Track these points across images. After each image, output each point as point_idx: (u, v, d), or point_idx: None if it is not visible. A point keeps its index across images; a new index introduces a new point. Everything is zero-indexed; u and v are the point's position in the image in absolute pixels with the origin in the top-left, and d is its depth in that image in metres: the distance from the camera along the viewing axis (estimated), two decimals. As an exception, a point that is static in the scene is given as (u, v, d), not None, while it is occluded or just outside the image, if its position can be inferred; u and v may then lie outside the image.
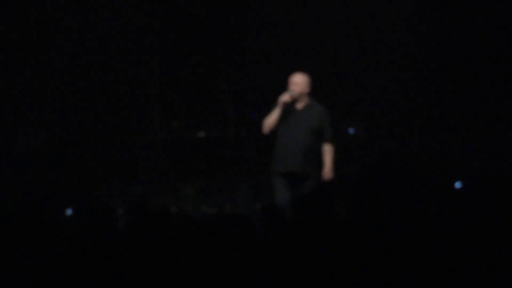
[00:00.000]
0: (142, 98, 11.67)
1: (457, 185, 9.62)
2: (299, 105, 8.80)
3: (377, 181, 2.73)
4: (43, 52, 11.44)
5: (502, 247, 2.70)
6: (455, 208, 2.84)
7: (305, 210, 5.29)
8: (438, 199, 2.82)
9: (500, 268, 2.65)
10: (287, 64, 10.28)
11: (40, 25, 11.43)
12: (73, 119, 11.48)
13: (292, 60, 10.71)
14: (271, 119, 8.76)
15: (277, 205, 7.80)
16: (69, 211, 10.26)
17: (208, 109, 11.72)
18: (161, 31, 11.86)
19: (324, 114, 8.80)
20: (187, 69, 11.88)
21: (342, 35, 11.48)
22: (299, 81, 8.76)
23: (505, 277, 2.64)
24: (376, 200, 2.69)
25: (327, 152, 8.75)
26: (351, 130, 11.59)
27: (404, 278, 2.61)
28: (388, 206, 2.67)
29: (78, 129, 11.46)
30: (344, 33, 11.48)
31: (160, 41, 11.87)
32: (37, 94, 11.42)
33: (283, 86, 8.80)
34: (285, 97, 8.68)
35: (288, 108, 8.74)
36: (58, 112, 11.45)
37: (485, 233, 2.74)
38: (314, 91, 8.85)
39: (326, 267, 3.20)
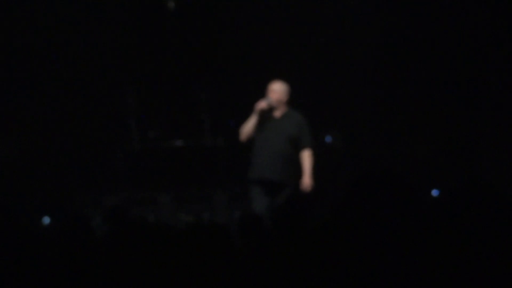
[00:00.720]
0: (119, 107, 11.63)
1: (434, 192, 9.65)
2: (277, 113, 8.80)
3: (373, 190, 2.72)
4: (17, 61, 11.37)
5: (486, 256, 2.71)
6: (443, 217, 2.85)
7: (283, 221, 5.29)
8: (427, 208, 2.82)
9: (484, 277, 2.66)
10: (265, 72, 10.29)
11: (16, 33, 11.37)
12: (49, 128, 11.41)
13: (270, 68, 10.71)
14: (248, 127, 8.75)
15: (255, 213, 7.79)
16: (46, 220, 10.21)
17: (185, 118, 11.70)
18: (137, 39, 11.84)
19: (302, 122, 8.80)
20: (164, 78, 11.86)
21: (319, 42, 11.51)
22: (277, 89, 8.77)
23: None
24: (370, 210, 2.68)
25: (306, 159, 8.73)
26: (328, 139, 11.59)
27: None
28: (382, 216, 2.66)
29: (54, 138, 11.40)
30: (322, 40, 11.50)
31: (136, 50, 11.84)
32: (13, 102, 11.35)
33: (261, 95, 8.81)
34: (261, 104, 8.67)
35: (266, 116, 8.73)
36: (35, 120, 11.38)
37: (472, 240, 2.75)
38: (292, 99, 8.86)
39: (306, 277, 3.20)
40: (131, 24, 11.81)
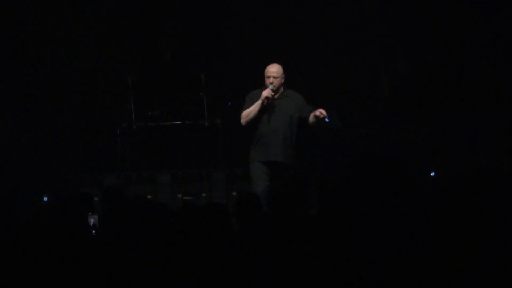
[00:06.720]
0: (118, 87, 11.63)
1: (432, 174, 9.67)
2: (276, 95, 8.86)
3: (370, 172, 2.72)
4: (16, 42, 11.38)
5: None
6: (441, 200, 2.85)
7: (281, 201, 5.31)
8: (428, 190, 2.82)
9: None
10: (262, 53, 10.31)
11: (13, 15, 11.38)
12: (49, 107, 11.43)
13: (267, 49, 10.73)
14: (253, 113, 8.79)
15: (254, 193, 7.85)
16: (45, 199, 10.24)
17: (183, 98, 11.70)
18: (137, 19, 11.83)
19: (301, 100, 8.93)
20: (163, 58, 11.86)
21: (316, 24, 11.48)
22: (276, 73, 8.82)
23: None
24: (369, 194, 2.68)
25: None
26: (326, 119, 11.58)
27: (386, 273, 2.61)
28: (380, 199, 2.66)
29: (54, 117, 11.42)
30: (319, 21, 11.48)
31: (136, 29, 11.83)
32: (12, 83, 11.37)
33: (258, 75, 8.86)
34: (268, 92, 8.73)
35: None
36: (34, 100, 11.40)
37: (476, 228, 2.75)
38: (289, 80, 8.95)
39: (302, 257, 3.23)
40: (130, 4, 11.80)
